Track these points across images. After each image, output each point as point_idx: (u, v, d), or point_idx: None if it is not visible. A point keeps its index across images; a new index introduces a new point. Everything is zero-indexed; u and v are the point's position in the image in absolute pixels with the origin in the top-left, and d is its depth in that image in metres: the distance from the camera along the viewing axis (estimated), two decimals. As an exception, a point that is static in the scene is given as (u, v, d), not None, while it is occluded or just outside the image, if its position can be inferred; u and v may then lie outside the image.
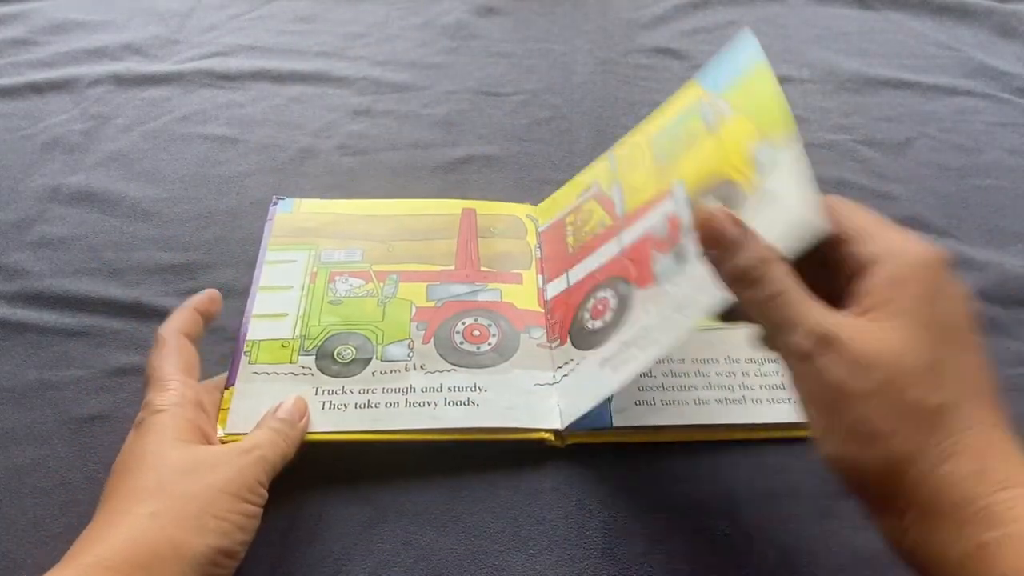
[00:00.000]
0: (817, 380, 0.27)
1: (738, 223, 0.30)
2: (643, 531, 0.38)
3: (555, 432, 0.41)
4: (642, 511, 0.39)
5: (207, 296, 0.42)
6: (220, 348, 0.44)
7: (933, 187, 0.58)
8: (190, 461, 0.33)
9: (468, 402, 0.41)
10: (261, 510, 0.34)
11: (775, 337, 0.29)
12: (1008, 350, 0.47)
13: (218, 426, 0.39)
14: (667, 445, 0.41)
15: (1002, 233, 0.54)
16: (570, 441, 0.41)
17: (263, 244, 0.49)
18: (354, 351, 0.43)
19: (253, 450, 0.35)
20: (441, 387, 0.41)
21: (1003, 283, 0.50)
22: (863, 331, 0.27)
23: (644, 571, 0.37)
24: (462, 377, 0.42)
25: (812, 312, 0.28)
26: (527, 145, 0.62)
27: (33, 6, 0.75)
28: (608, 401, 0.41)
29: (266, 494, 0.34)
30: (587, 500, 0.39)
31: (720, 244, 0.30)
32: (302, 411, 0.39)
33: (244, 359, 0.42)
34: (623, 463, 0.41)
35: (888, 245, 0.29)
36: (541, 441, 0.41)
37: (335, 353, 0.43)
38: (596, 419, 0.41)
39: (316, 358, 0.43)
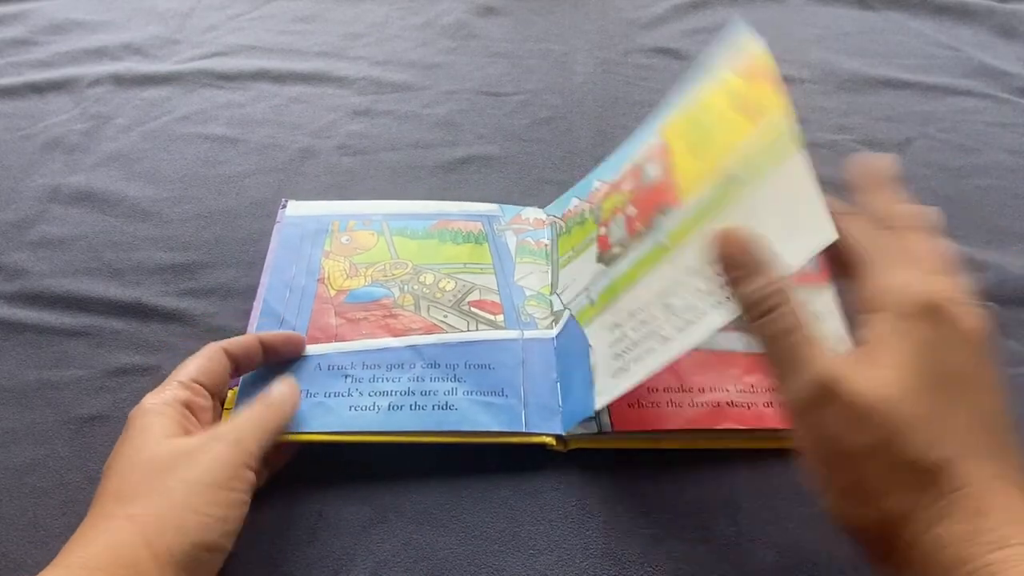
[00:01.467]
0: (817, 433, 0.28)
1: (758, 246, 0.30)
2: (643, 531, 0.38)
3: (557, 437, 0.41)
4: (642, 511, 0.39)
5: (284, 334, 0.42)
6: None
7: (933, 187, 0.58)
8: (167, 457, 0.33)
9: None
10: (247, 497, 0.33)
11: (778, 375, 0.29)
12: (1007, 350, 0.47)
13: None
14: (667, 445, 0.41)
15: (1002, 233, 0.54)
16: (572, 447, 0.41)
17: (271, 246, 0.49)
18: None
19: (227, 434, 0.34)
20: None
21: (1003, 283, 0.50)
22: (864, 383, 0.27)
23: (644, 571, 0.37)
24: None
25: (816, 358, 0.28)
26: (527, 145, 0.62)
27: (33, 6, 0.75)
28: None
29: (252, 477, 0.33)
30: (587, 500, 0.39)
31: (738, 267, 0.30)
32: (291, 385, 0.38)
33: None
34: (623, 463, 0.41)
35: (891, 286, 0.29)
36: (543, 446, 0.41)
37: None
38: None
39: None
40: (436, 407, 0.41)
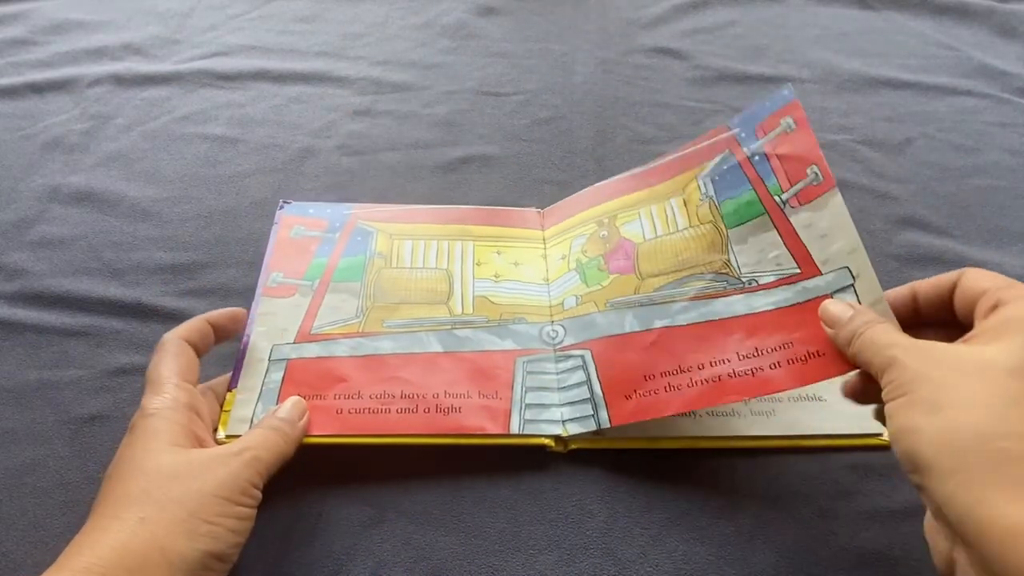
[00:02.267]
0: (900, 365, 0.29)
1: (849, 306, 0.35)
2: (643, 531, 0.38)
3: (556, 438, 0.41)
4: (642, 511, 0.39)
5: (228, 312, 0.42)
6: (221, 348, 0.43)
7: (933, 187, 0.58)
8: (180, 465, 0.33)
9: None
10: (254, 511, 0.33)
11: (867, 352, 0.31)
12: (1008, 350, 0.47)
13: (220, 428, 0.39)
14: (667, 445, 0.41)
15: (1002, 233, 0.54)
16: (572, 447, 0.41)
17: (269, 247, 0.49)
18: None
19: (245, 452, 0.34)
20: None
21: (1003, 283, 0.50)
22: (951, 346, 0.30)
23: (644, 571, 0.37)
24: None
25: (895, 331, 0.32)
26: (527, 145, 0.62)
27: (33, 6, 0.75)
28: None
29: (259, 495, 0.34)
30: (587, 500, 0.39)
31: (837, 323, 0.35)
32: (302, 412, 0.39)
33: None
34: (623, 463, 0.41)
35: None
36: (543, 447, 0.41)
37: None
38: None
39: None
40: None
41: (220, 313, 0.42)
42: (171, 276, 0.50)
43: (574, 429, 0.41)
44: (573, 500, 0.39)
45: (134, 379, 0.44)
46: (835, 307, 0.35)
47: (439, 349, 0.44)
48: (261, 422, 0.37)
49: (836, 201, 0.41)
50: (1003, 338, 0.29)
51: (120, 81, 0.66)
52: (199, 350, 0.40)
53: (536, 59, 0.71)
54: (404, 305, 0.46)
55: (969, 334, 0.31)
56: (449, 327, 0.45)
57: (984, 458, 0.26)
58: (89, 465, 0.40)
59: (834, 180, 0.41)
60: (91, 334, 0.46)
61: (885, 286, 0.50)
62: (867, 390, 0.34)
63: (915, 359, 0.29)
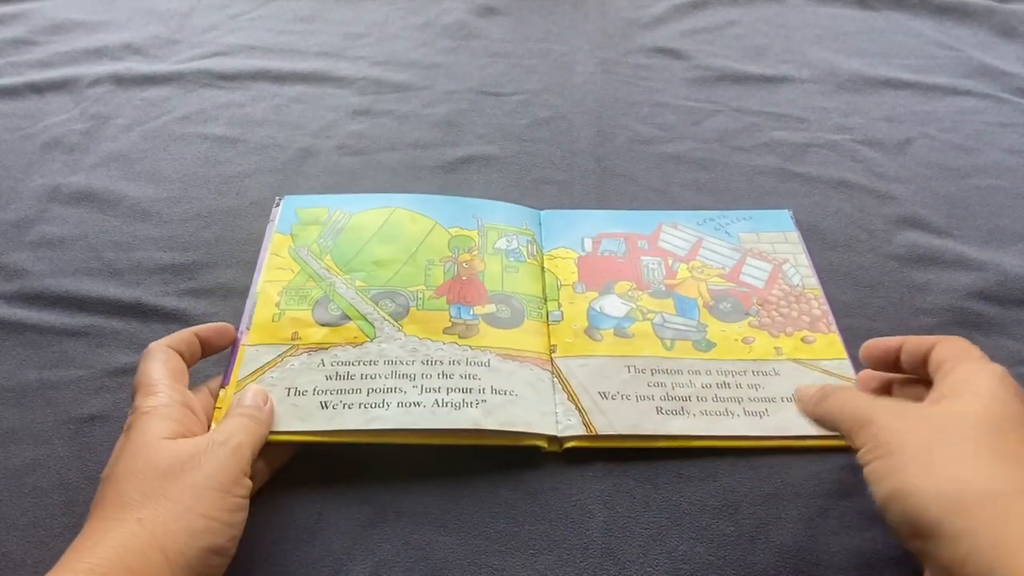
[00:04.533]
0: (878, 424, 0.31)
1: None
2: (643, 531, 0.38)
3: (551, 438, 0.41)
4: (642, 511, 0.39)
5: (216, 326, 0.42)
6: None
7: (933, 187, 0.58)
8: (174, 460, 0.33)
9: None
10: (247, 501, 0.33)
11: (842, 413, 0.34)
12: (1007, 350, 0.47)
13: (213, 424, 0.39)
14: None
15: (1002, 233, 0.54)
16: (568, 446, 0.41)
17: (264, 245, 0.49)
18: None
19: (229, 440, 0.34)
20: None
21: (1003, 283, 0.50)
22: (922, 405, 0.32)
23: (644, 571, 0.37)
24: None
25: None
26: (527, 145, 0.62)
27: (33, 6, 0.75)
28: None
29: (250, 483, 0.34)
30: (586, 500, 0.39)
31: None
32: (265, 398, 0.39)
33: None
34: (622, 463, 0.41)
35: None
36: (537, 448, 0.41)
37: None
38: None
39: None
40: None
41: (208, 327, 0.41)
42: (171, 276, 0.50)
43: (567, 431, 0.41)
44: (573, 500, 0.39)
45: (134, 379, 0.44)
46: (807, 388, 0.39)
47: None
48: (230, 411, 0.38)
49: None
50: (964, 395, 0.31)
51: (120, 81, 0.66)
52: (186, 360, 0.40)
53: (536, 59, 0.71)
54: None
55: (929, 396, 0.33)
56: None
57: (993, 516, 0.26)
58: (89, 465, 0.40)
59: None
60: (91, 334, 0.46)
61: (885, 286, 0.51)
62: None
63: (893, 418, 0.31)
